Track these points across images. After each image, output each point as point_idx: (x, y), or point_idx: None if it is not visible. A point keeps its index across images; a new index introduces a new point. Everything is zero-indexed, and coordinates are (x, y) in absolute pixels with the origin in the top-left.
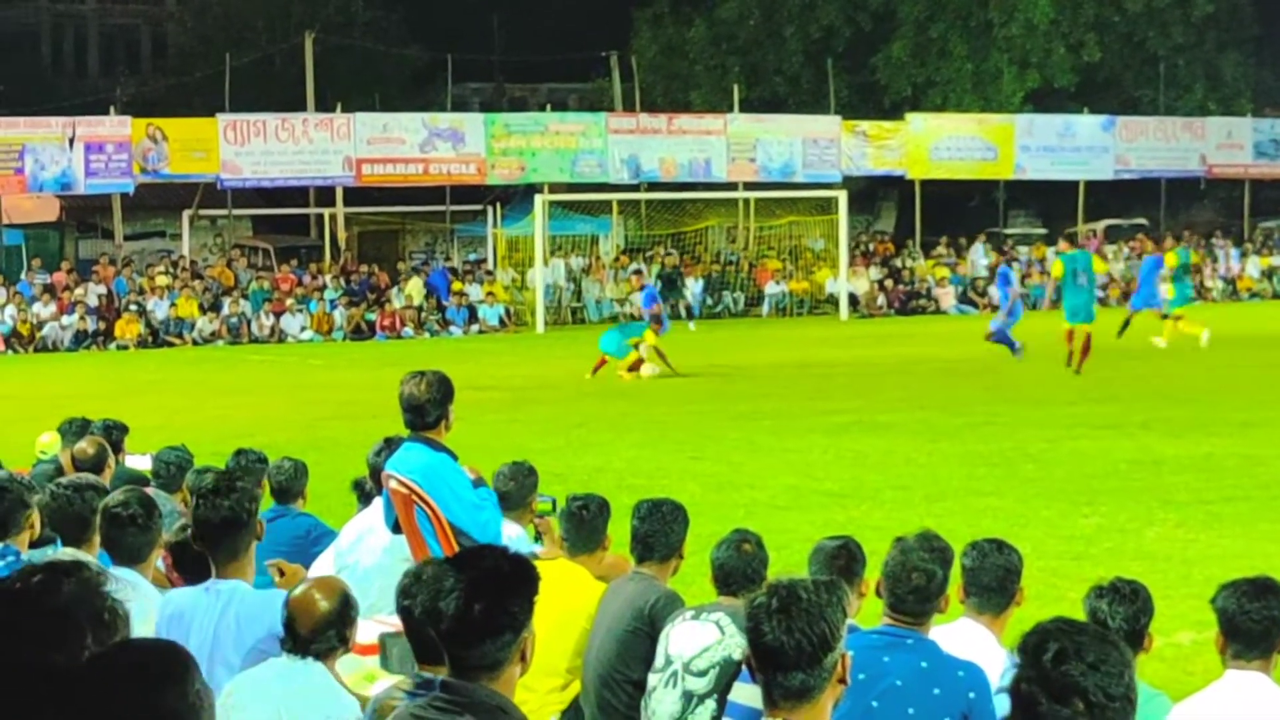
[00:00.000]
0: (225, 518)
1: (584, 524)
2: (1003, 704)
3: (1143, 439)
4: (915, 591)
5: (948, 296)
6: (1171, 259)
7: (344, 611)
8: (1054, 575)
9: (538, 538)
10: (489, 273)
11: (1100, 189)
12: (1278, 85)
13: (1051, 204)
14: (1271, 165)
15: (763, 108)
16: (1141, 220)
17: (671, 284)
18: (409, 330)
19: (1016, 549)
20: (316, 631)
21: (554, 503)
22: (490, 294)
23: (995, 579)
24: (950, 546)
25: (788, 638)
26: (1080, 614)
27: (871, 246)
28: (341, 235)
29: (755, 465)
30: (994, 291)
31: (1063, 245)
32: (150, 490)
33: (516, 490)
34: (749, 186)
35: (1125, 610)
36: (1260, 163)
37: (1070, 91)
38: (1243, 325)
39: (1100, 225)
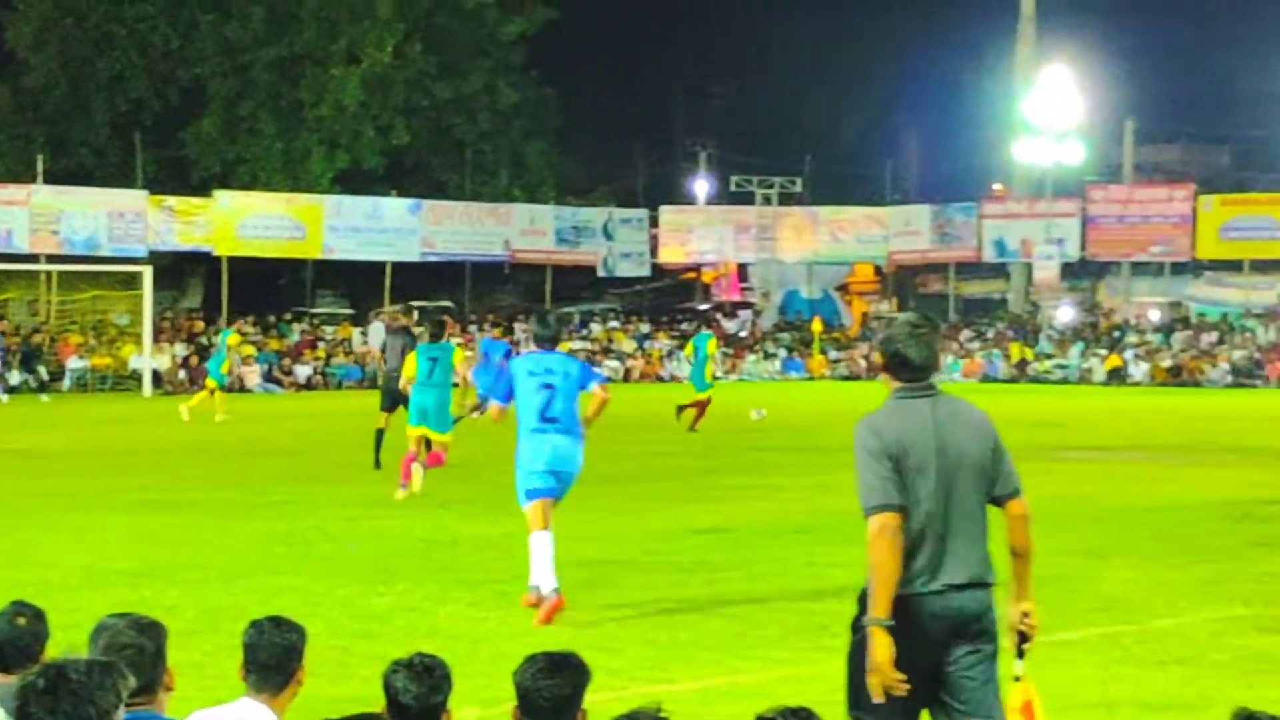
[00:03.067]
0: None
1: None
2: None
3: (441, 518)
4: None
5: (254, 374)
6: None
7: None
8: (346, 654)
9: None
10: None
11: (407, 270)
12: (579, 174)
13: (359, 284)
14: (572, 252)
15: (68, 179)
16: (447, 302)
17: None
18: None
19: (299, 627)
20: None
21: None
22: None
23: (273, 657)
24: (159, 622)
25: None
26: (376, 690)
27: (178, 322)
28: None
29: (49, 543)
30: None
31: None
32: None
33: None
34: (52, 259)
35: (419, 686)
36: (562, 249)
37: (379, 174)
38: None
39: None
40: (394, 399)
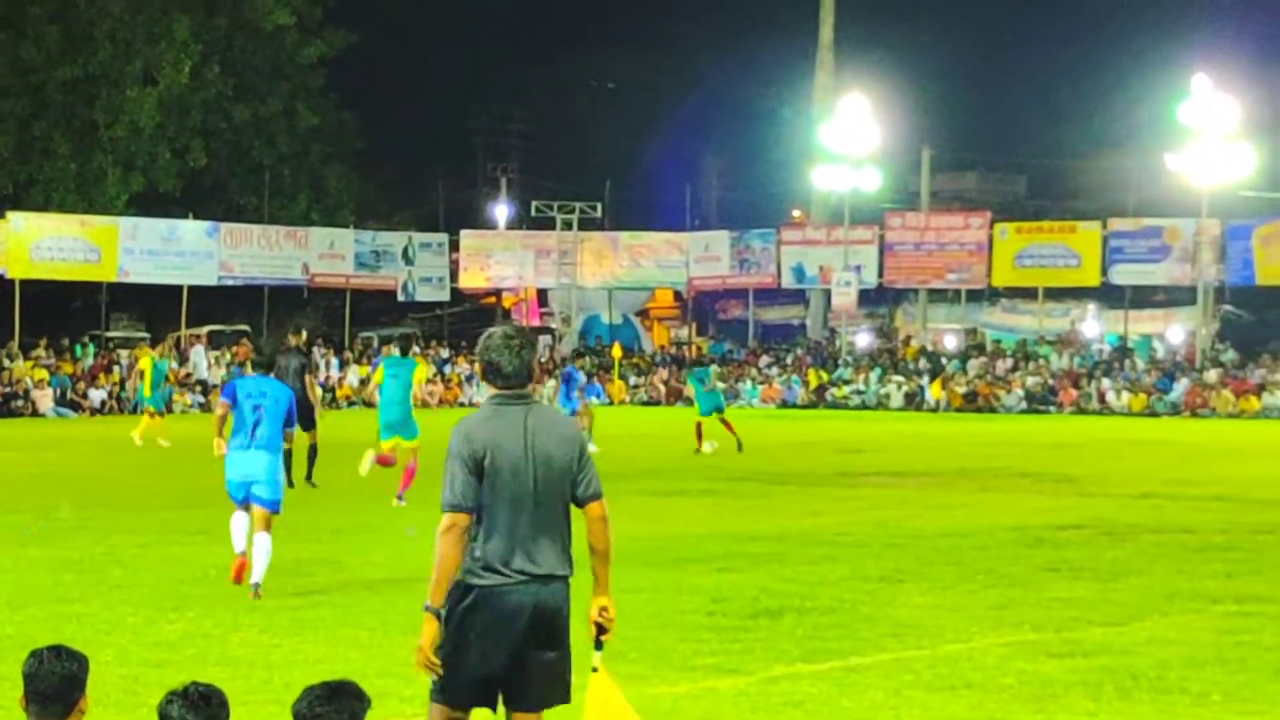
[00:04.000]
0: None
1: None
2: None
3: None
4: None
5: (46, 399)
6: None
7: None
8: (136, 683)
9: None
10: None
11: (204, 294)
12: (379, 198)
13: (155, 307)
14: (372, 276)
15: None
16: (245, 326)
17: None
18: None
19: (80, 656)
20: None
21: None
22: None
23: (53, 686)
24: None
25: None
26: None
27: None
28: None
29: None
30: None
31: (388, 350)
32: None
33: None
34: None
35: (195, 716)
36: (361, 273)
37: (175, 196)
38: (340, 433)
39: (204, 330)
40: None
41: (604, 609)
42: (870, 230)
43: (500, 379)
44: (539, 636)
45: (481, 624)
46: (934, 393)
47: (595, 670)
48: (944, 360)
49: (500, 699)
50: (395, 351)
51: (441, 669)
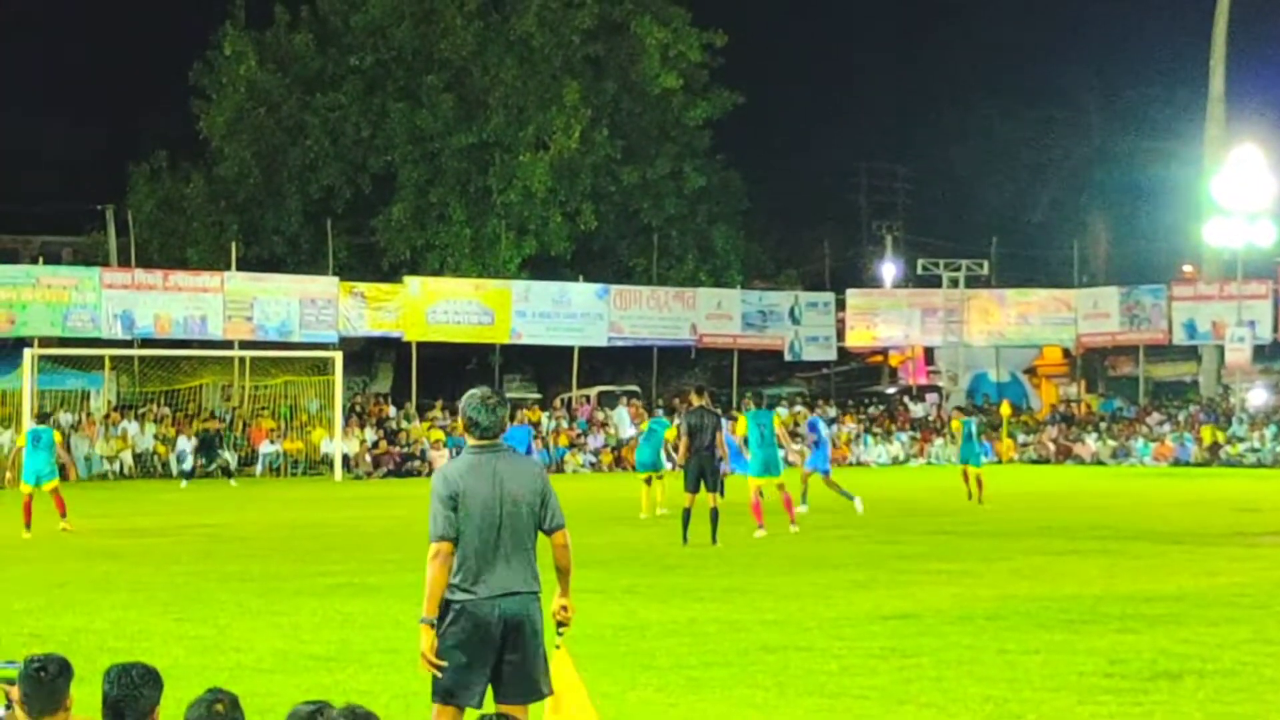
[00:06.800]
0: None
1: (42, 685)
2: None
3: (628, 603)
4: None
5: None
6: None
7: None
8: None
9: (9, 704)
10: None
11: (594, 354)
12: (765, 258)
13: (546, 368)
14: (759, 335)
15: (261, 266)
16: (634, 387)
17: (209, 445)
18: None
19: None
20: None
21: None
22: None
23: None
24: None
25: None
26: None
27: (367, 407)
28: None
29: (242, 628)
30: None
31: (748, 403)
32: None
33: None
34: (245, 345)
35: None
36: (748, 333)
37: (566, 259)
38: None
39: (594, 390)
40: (698, 477)
41: (564, 607)
42: (1265, 285)
43: (478, 432)
44: (509, 642)
45: (460, 633)
46: None
47: (558, 648)
48: None
49: (491, 696)
50: (752, 405)
51: (439, 671)
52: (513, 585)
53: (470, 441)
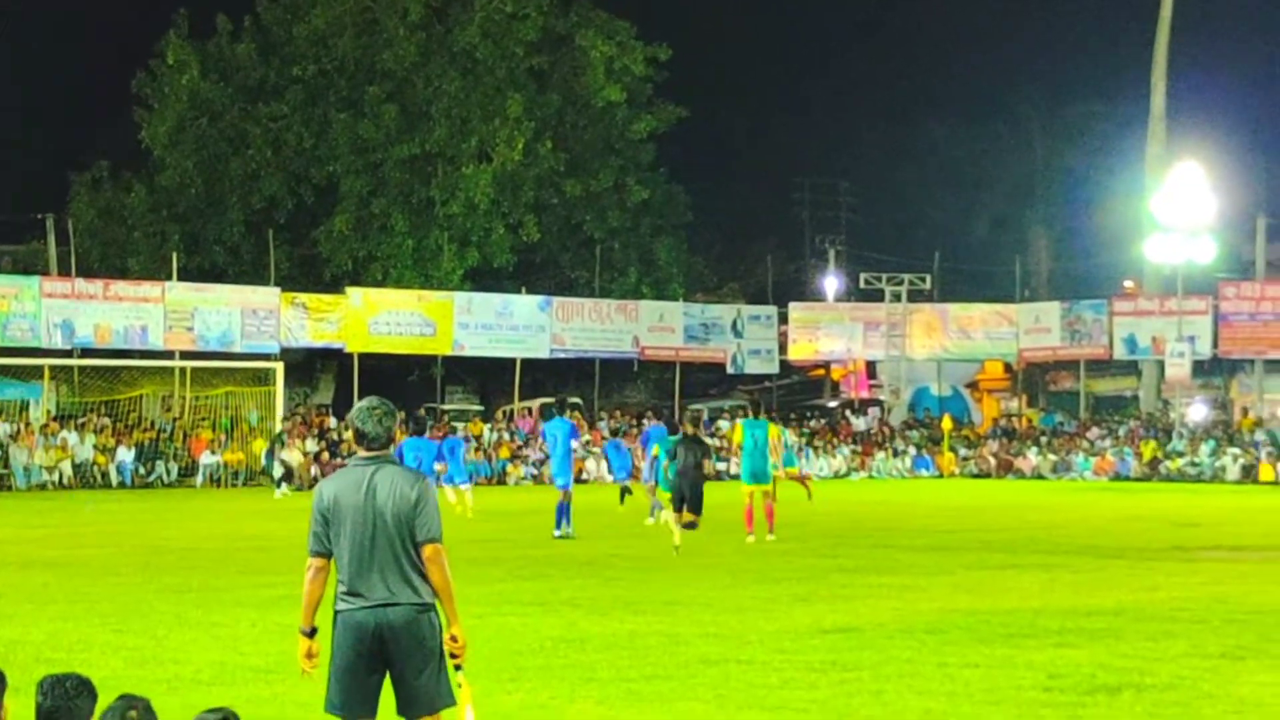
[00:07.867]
0: None
1: None
2: None
3: (569, 615)
4: None
5: None
6: None
7: None
8: None
9: None
10: None
11: (537, 367)
12: (707, 271)
13: (489, 380)
14: (701, 348)
15: (202, 276)
16: (576, 399)
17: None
18: None
19: None
20: None
21: None
22: None
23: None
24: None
25: None
26: None
27: (309, 418)
28: None
29: (180, 639)
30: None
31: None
32: None
33: None
34: (186, 355)
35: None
36: (690, 345)
37: (509, 270)
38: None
39: (536, 402)
40: (682, 498)
41: (453, 637)
42: (1204, 300)
43: (365, 442)
44: (388, 652)
45: (340, 640)
46: (1264, 472)
47: (460, 686)
48: None
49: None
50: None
51: (329, 681)
52: (394, 596)
53: (360, 452)
